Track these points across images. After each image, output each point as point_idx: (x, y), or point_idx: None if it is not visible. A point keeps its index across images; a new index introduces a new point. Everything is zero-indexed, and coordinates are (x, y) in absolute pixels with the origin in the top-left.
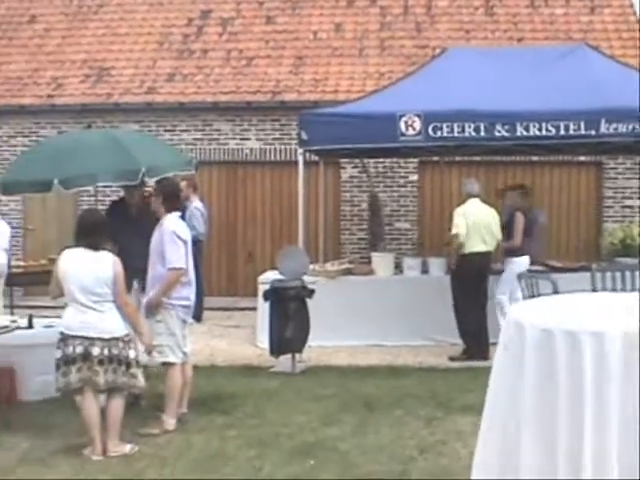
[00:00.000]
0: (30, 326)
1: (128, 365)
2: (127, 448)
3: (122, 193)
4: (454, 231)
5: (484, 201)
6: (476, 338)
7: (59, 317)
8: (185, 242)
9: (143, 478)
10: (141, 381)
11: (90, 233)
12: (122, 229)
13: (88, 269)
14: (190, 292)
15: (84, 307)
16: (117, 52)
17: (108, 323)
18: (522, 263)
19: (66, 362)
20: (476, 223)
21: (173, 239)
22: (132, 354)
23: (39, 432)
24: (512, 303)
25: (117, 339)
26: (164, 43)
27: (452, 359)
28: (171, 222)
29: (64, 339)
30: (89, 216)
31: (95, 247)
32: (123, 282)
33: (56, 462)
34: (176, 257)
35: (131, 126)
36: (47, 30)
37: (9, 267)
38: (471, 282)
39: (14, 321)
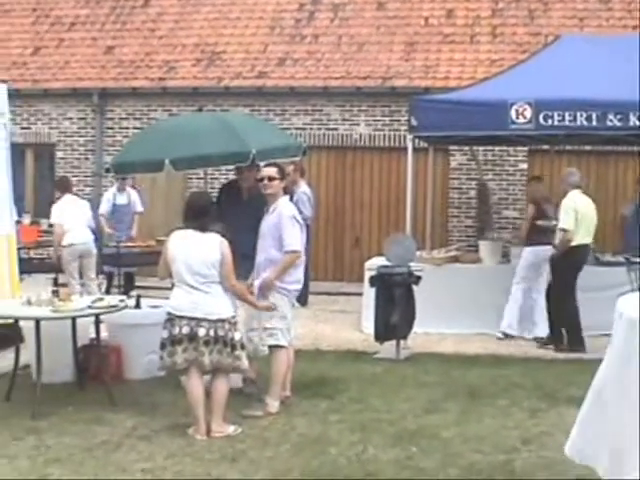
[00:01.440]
0: (138, 306)
1: (233, 347)
2: (230, 429)
3: (231, 176)
4: (565, 226)
5: (584, 192)
6: (573, 329)
7: (166, 298)
8: (302, 226)
9: (245, 458)
10: (245, 363)
11: (198, 215)
12: (232, 211)
13: (195, 250)
14: (302, 275)
15: (191, 288)
16: (229, 36)
17: (214, 304)
18: None
19: (172, 342)
20: (584, 216)
21: (292, 222)
22: (237, 336)
23: (144, 410)
24: None
25: (223, 321)
26: (275, 28)
27: (540, 345)
28: (288, 205)
29: (171, 319)
30: (198, 198)
31: (203, 229)
32: (230, 263)
33: (161, 440)
34: (295, 240)
35: (241, 110)
36: (160, 14)
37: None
38: (574, 274)
39: (122, 301)
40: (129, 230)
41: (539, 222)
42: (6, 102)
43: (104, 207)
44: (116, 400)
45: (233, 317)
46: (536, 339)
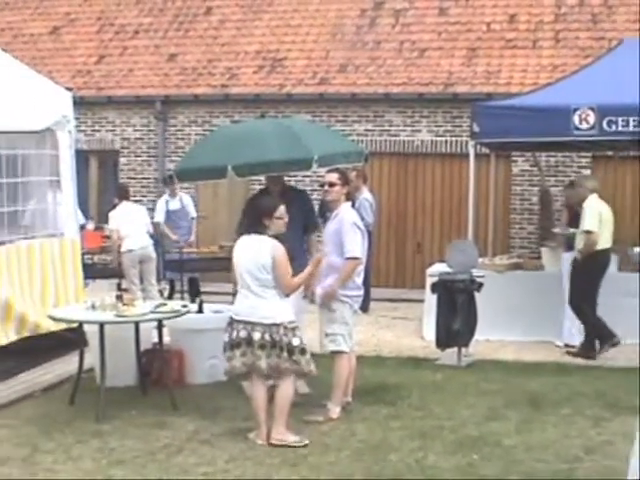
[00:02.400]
0: (200, 311)
1: (290, 351)
2: (291, 439)
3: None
4: (590, 228)
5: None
6: (599, 332)
7: (229, 303)
8: (363, 232)
9: (306, 463)
10: (307, 367)
11: (252, 219)
12: None
13: (250, 255)
14: (362, 282)
15: (249, 292)
16: (290, 43)
17: (268, 309)
18: None
19: (231, 346)
20: (606, 219)
21: (353, 229)
22: (295, 341)
23: (206, 414)
24: None
25: (277, 325)
26: (337, 34)
27: (570, 354)
28: (350, 212)
29: (231, 323)
30: (253, 202)
31: (257, 232)
32: (284, 265)
33: (222, 444)
34: (356, 246)
35: (303, 116)
36: (222, 21)
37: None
38: (598, 278)
39: (185, 305)
40: (187, 236)
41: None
42: (71, 109)
43: (159, 215)
44: (178, 404)
45: (290, 322)
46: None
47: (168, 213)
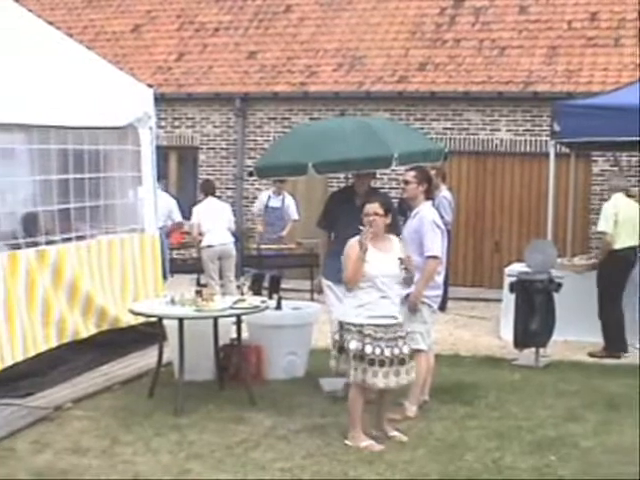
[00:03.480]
0: (279, 307)
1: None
2: (363, 443)
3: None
4: (601, 229)
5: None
6: (619, 333)
7: (312, 300)
8: (443, 231)
9: (382, 461)
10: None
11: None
12: (345, 217)
13: None
14: (441, 281)
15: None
16: (369, 41)
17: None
18: None
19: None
20: (626, 219)
21: (433, 227)
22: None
23: (283, 410)
24: None
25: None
26: (416, 32)
27: (592, 355)
28: (430, 210)
29: (341, 325)
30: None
31: None
32: (345, 259)
33: (298, 440)
34: (436, 245)
35: (382, 114)
36: (301, 19)
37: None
38: (620, 278)
39: (264, 301)
40: (278, 234)
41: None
42: (152, 106)
43: (256, 207)
44: (255, 400)
45: (348, 323)
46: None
47: (267, 209)
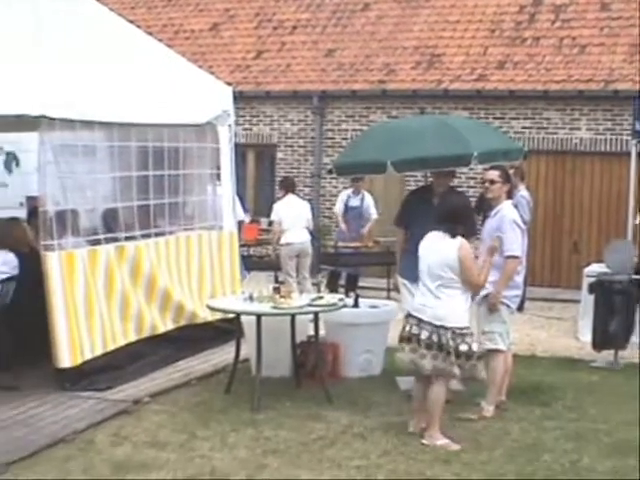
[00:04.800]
0: (356, 305)
1: (457, 356)
2: (439, 442)
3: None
4: None
5: None
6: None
7: (388, 298)
8: (523, 230)
9: (459, 460)
10: (466, 374)
11: (446, 218)
12: (422, 216)
13: (435, 253)
14: (521, 281)
15: (426, 290)
16: (448, 39)
17: (442, 310)
18: None
19: (402, 339)
20: None
21: (513, 227)
22: (463, 347)
23: (359, 408)
24: None
25: (446, 329)
26: (495, 30)
27: None
28: (511, 210)
29: (406, 317)
30: (450, 201)
31: (450, 232)
32: (470, 263)
33: (375, 438)
34: (516, 245)
35: (460, 113)
36: (380, 17)
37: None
38: None
39: (341, 299)
40: (358, 234)
41: None
42: (232, 104)
43: (338, 207)
44: (332, 397)
45: (461, 328)
46: None
47: (346, 208)
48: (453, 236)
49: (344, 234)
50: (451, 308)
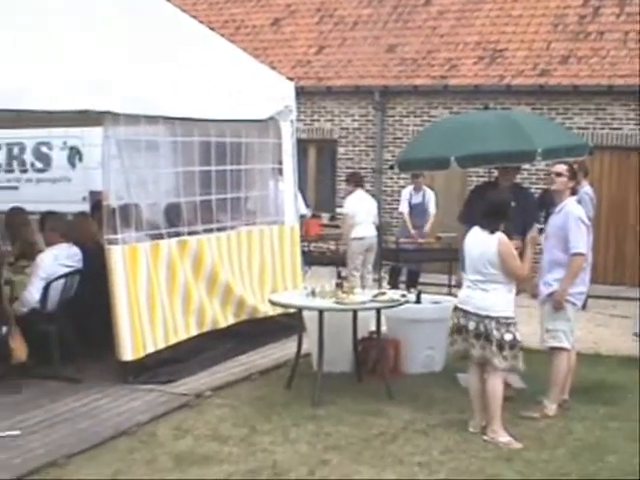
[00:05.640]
0: (418, 301)
1: (500, 346)
2: (501, 439)
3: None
4: None
5: None
6: None
7: (450, 295)
8: (588, 227)
9: (521, 459)
10: (510, 364)
11: (487, 214)
12: None
13: (477, 248)
14: (587, 278)
15: (471, 283)
16: (510, 34)
17: (487, 301)
18: None
19: (452, 331)
20: None
21: (578, 224)
22: (507, 337)
23: (421, 405)
24: None
25: (491, 318)
26: (559, 25)
27: None
28: (575, 206)
29: (455, 309)
30: (493, 197)
31: (489, 228)
32: (511, 256)
33: (437, 435)
34: (581, 242)
35: (522, 108)
36: (441, 12)
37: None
38: None
39: (404, 295)
40: (422, 230)
41: None
42: (294, 99)
43: (403, 205)
44: (393, 393)
45: (506, 317)
46: None
47: (410, 206)
48: (492, 232)
49: (407, 231)
50: (495, 298)
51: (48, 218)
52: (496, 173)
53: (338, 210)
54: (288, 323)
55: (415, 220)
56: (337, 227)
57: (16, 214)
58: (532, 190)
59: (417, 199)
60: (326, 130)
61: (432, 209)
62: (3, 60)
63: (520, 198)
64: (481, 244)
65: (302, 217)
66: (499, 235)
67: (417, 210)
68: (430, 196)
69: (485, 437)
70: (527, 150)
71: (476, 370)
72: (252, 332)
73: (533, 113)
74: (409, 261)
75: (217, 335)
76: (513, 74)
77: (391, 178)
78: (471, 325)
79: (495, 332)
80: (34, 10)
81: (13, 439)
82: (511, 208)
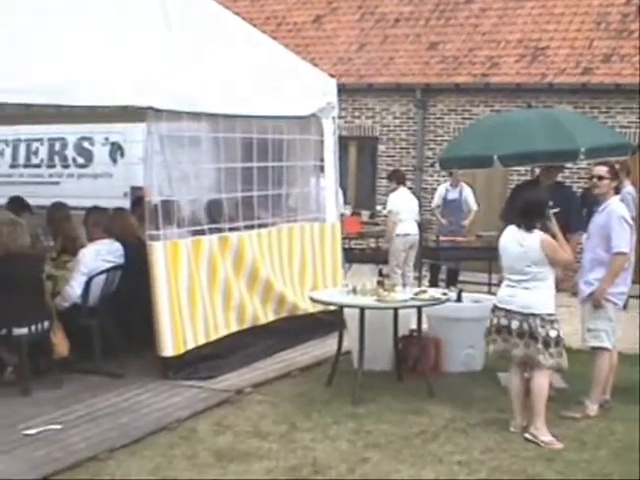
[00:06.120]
0: (459, 300)
1: (546, 344)
2: (543, 437)
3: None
4: None
5: None
6: None
7: (486, 293)
8: (631, 227)
9: (562, 459)
10: (557, 361)
11: (525, 212)
12: None
13: (516, 247)
14: (629, 278)
15: (512, 282)
16: (552, 32)
17: (530, 299)
18: None
19: (490, 331)
20: None
21: (621, 223)
22: (553, 333)
23: (461, 403)
24: None
25: (535, 316)
26: (601, 23)
27: None
28: (619, 205)
29: (493, 309)
30: (528, 195)
31: (527, 227)
32: (556, 248)
33: (477, 434)
34: (623, 242)
35: (564, 107)
36: (483, 10)
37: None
38: None
39: (445, 294)
40: (458, 226)
41: None
42: (335, 96)
43: (436, 201)
44: (433, 392)
45: (550, 314)
46: None
47: (445, 201)
48: (529, 230)
49: (445, 228)
50: (538, 296)
51: (92, 213)
52: (538, 171)
53: (378, 208)
54: (328, 320)
55: (449, 216)
56: (377, 225)
57: (58, 209)
58: (574, 189)
59: (453, 195)
60: (367, 127)
61: (473, 205)
62: (48, 57)
63: (563, 197)
64: (521, 243)
65: (342, 215)
66: (538, 232)
67: (452, 206)
68: (468, 192)
69: (527, 435)
70: (570, 149)
71: (517, 370)
72: (292, 329)
73: (575, 112)
74: (449, 259)
75: (257, 332)
76: (555, 72)
77: (432, 176)
78: (514, 324)
79: (540, 329)
80: (80, 9)
81: (54, 433)
82: (548, 207)
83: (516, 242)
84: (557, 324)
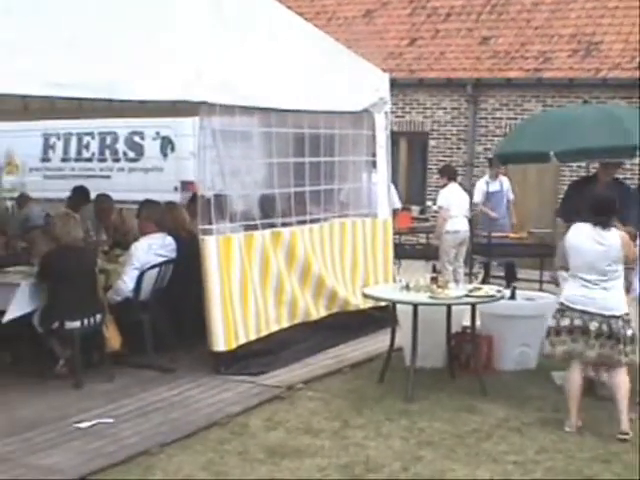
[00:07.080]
0: (513, 297)
1: (625, 343)
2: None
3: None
4: None
5: None
6: None
7: (541, 290)
8: None
9: (619, 461)
10: (632, 359)
11: (602, 210)
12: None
13: (593, 246)
14: None
15: (587, 282)
16: (607, 26)
17: (610, 301)
18: None
19: (558, 332)
20: None
21: None
22: (629, 332)
23: (515, 402)
24: None
25: (617, 317)
26: None
27: None
28: None
29: (562, 310)
30: (602, 193)
31: (604, 225)
32: (630, 246)
33: (532, 433)
34: None
35: (618, 102)
36: (536, 4)
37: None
38: None
39: (499, 291)
40: (503, 219)
41: None
42: (388, 91)
43: (478, 196)
44: (487, 390)
45: (627, 314)
46: None
47: (487, 195)
48: (606, 228)
49: (494, 223)
50: (618, 297)
51: (144, 207)
52: (593, 167)
53: (428, 203)
54: (379, 316)
55: (495, 208)
56: (427, 220)
57: (102, 201)
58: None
59: (494, 187)
60: (417, 123)
61: (511, 195)
62: (100, 51)
63: (621, 194)
64: (600, 242)
65: (394, 210)
66: (615, 230)
67: (495, 198)
68: (507, 184)
69: (619, 436)
70: (627, 145)
71: (580, 370)
72: (343, 325)
73: (630, 107)
74: (499, 256)
75: (308, 327)
76: (609, 67)
77: (483, 172)
78: (593, 326)
79: (622, 330)
80: (132, 3)
81: (106, 427)
82: (616, 203)
83: (594, 241)
84: (632, 322)
